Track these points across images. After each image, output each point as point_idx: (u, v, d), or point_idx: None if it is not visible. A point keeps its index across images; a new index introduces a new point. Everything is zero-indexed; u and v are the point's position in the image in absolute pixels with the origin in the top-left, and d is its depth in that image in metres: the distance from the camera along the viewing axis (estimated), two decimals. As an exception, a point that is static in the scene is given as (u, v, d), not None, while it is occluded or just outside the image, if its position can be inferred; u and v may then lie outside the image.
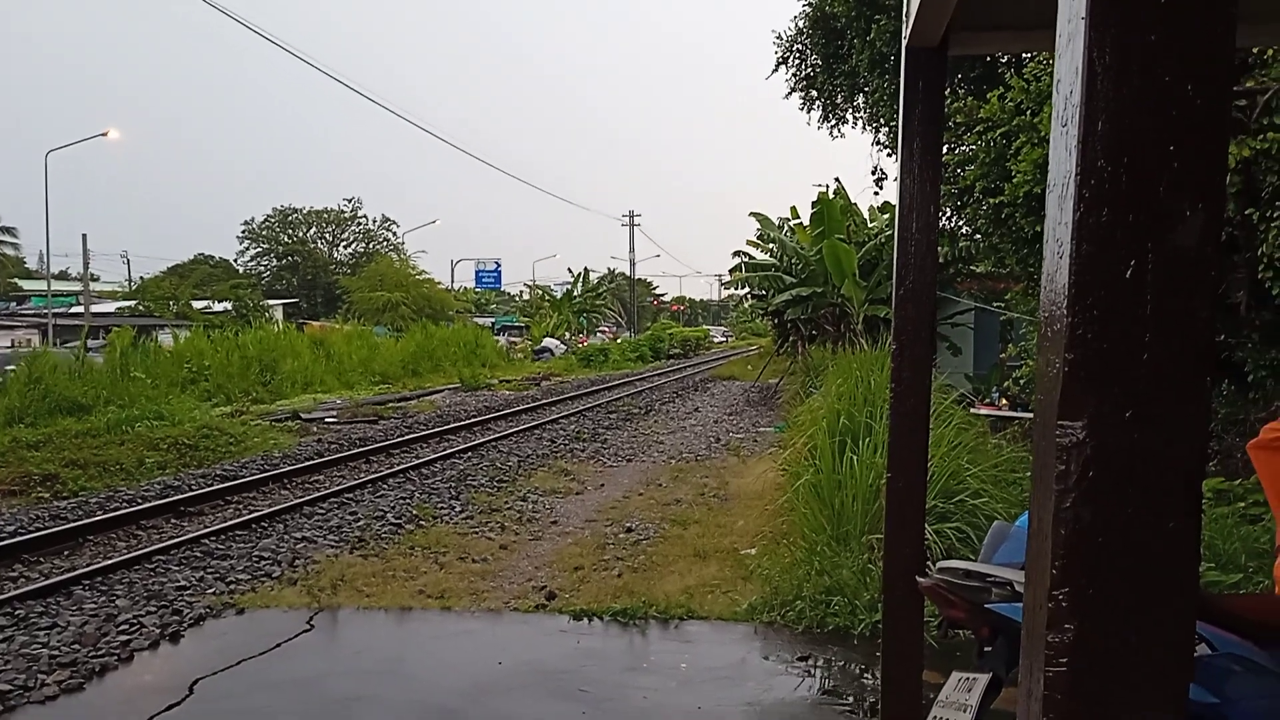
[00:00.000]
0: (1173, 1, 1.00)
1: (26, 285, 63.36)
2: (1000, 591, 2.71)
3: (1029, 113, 8.65)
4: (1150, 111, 1.01)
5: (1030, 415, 11.51)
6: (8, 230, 63.69)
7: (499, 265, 68.58)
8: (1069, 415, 1.04)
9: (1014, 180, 8.62)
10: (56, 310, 43.69)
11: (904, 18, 3.16)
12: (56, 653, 6.03)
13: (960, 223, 13.40)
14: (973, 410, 11.32)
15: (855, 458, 7.72)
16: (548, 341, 48.99)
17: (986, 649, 2.90)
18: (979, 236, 12.71)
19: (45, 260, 48.26)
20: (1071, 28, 1.05)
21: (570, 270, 67.71)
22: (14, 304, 56.37)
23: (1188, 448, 1.04)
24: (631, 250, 71.29)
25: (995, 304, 16.39)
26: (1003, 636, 2.78)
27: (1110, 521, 1.04)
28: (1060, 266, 1.05)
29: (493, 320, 65.39)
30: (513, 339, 52.83)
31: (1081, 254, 1.03)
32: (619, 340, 54.19)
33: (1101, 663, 1.06)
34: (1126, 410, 1.03)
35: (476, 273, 68.71)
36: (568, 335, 53.85)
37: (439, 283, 60.14)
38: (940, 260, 3.49)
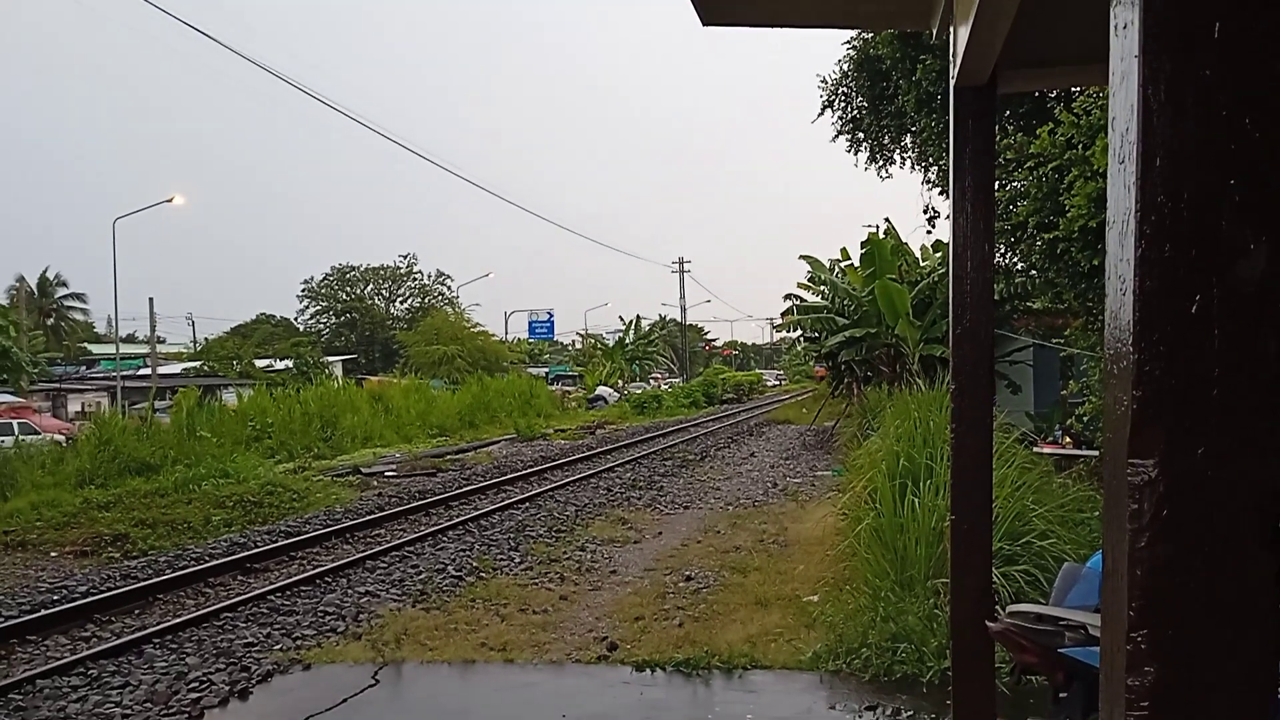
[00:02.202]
0: (1227, 35, 1.00)
1: (96, 349, 65.27)
2: (1074, 635, 2.65)
3: (1080, 146, 8.58)
4: (1208, 146, 1.01)
5: (1095, 453, 11.26)
6: (77, 296, 65.97)
7: (551, 315, 69.19)
8: (1140, 453, 1.03)
9: (1068, 215, 8.53)
10: (125, 373, 44.91)
11: (951, 58, 3.17)
12: (129, 712, 6.13)
13: (1014, 259, 13.27)
14: (1035, 449, 11.10)
15: (916, 500, 7.60)
16: (601, 390, 49.17)
17: (1062, 695, 2.83)
18: (1034, 272, 12.56)
19: (114, 324, 49.73)
20: (1125, 65, 1.05)
21: (622, 318, 68.01)
22: (84, 368, 58.04)
23: (1263, 482, 1.02)
24: (682, 296, 71.78)
25: (1054, 340, 16.13)
26: (1078, 682, 2.72)
27: (1187, 560, 1.02)
28: (1124, 303, 1.05)
29: (546, 370, 65.83)
30: (566, 388, 53.12)
31: (1145, 290, 1.02)
32: (672, 387, 54.21)
33: (1183, 705, 1.03)
34: (1198, 447, 1.02)
35: (529, 323, 69.37)
36: (621, 383, 53.99)
37: (493, 335, 60.91)
38: (996, 297, 3.46)
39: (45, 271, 63.75)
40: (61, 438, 23.64)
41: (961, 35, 2.92)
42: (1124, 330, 1.05)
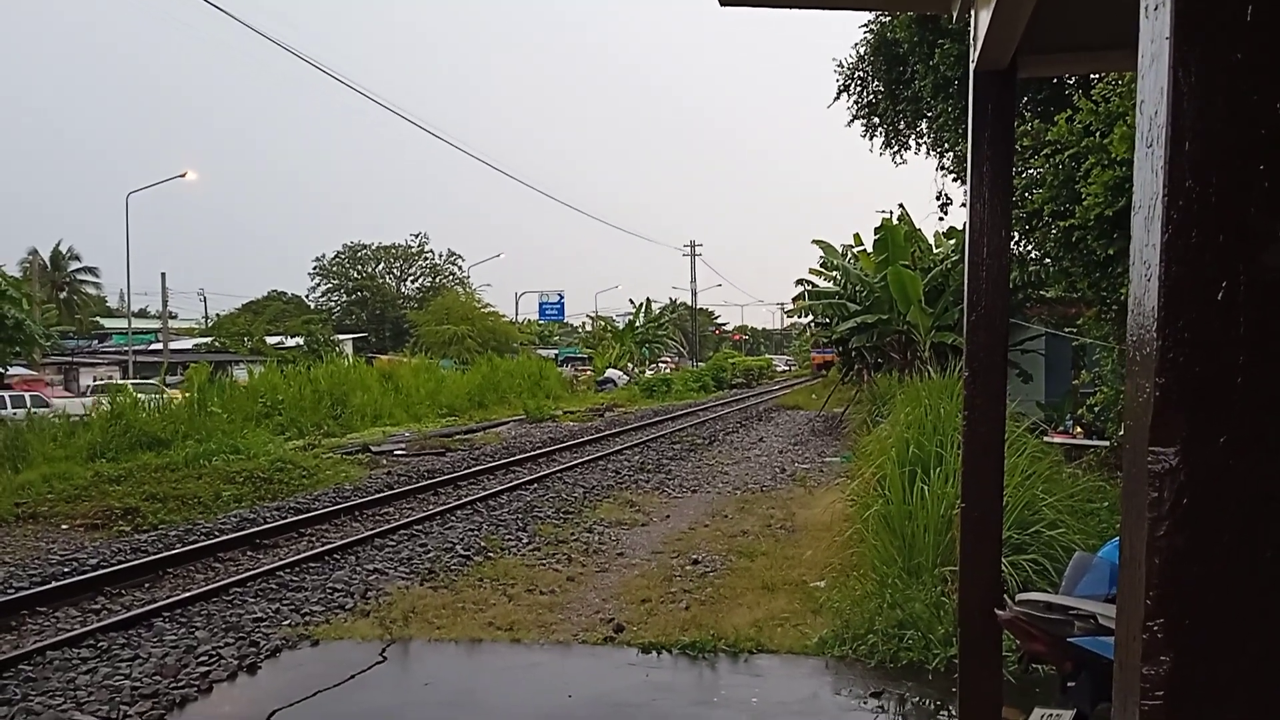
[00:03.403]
0: (1258, 19, 0.98)
1: (108, 324, 65.56)
2: (1083, 625, 2.65)
3: (1098, 134, 8.51)
4: (1238, 130, 0.99)
5: (1106, 443, 11.22)
6: (90, 270, 66.26)
7: (562, 297, 69.10)
8: (1161, 441, 1.02)
9: (1084, 203, 8.47)
10: (137, 348, 45.11)
11: (971, 42, 3.14)
12: (138, 684, 6.16)
13: (1029, 247, 13.20)
14: (1046, 439, 11.07)
15: (926, 487, 7.59)
16: (611, 372, 49.20)
17: (1070, 684, 2.83)
18: (1049, 261, 12.50)
19: (126, 299, 49.97)
20: (1155, 48, 1.03)
21: (632, 301, 68.18)
22: (96, 342, 58.30)
23: (1285, 473, 1.01)
24: (693, 280, 71.53)
25: (1067, 329, 16.06)
26: (1087, 671, 2.71)
27: (1205, 550, 1.02)
28: (1148, 289, 1.03)
29: (556, 352, 65.86)
30: (576, 370, 53.16)
31: (1170, 276, 1.01)
32: (681, 370, 54.24)
33: (1199, 696, 1.03)
34: (1220, 435, 1.01)
35: (540, 305, 69.33)
36: (631, 366, 54.01)
37: (503, 315, 60.90)
38: (1010, 285, 3.42)
39: (58, 245, 64.09)
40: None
41: (983, 19, 2.89)
42: (1148, 316, 1.04)
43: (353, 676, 6.30)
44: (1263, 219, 1.00)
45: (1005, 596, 3.48)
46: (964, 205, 3.41)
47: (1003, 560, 5.10)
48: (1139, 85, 1.08)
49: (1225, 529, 1.01)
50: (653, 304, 59.62)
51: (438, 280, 78.03)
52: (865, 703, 5.66)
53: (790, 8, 3.53)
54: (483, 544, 10.13)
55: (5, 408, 25.06)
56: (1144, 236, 1.05)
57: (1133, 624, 1.06)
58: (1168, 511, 1.02)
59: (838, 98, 19.63)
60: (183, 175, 42.42)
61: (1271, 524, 1.01)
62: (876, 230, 20.33)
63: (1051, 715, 2.80)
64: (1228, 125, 1.00)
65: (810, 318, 26.44)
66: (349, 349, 48.49)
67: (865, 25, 18.47)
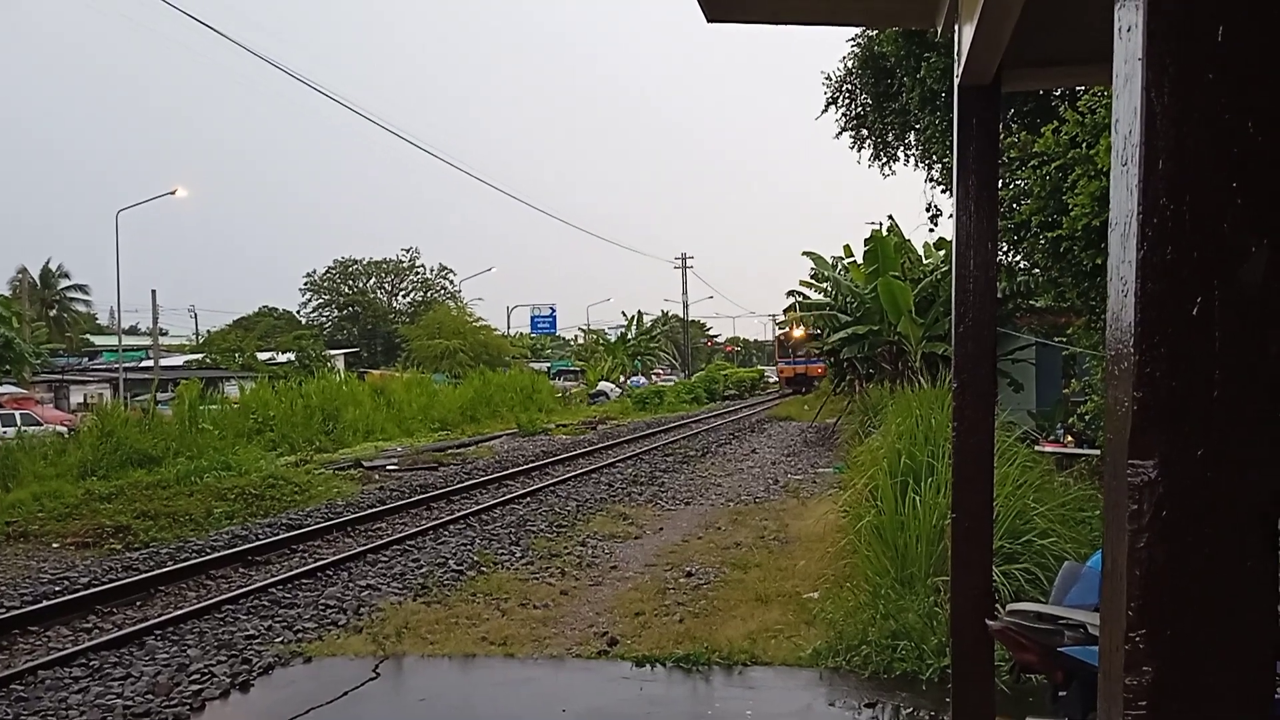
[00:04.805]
0: (1230, 39, 1.00)
1: (98, 340, 65.32)
2: (1073, 634, 2.66)
3: (1084, 145, 8.56)
4: (1211, 149, 1.01)
5: (1097, 452, 11.26)
6: (80, 288, 66.00)
7: (554, 310, 69.14)
8: (1140, 454, 1.03)
9: (1071, 214, 8.52)
10: (127, 365, 44.95)
11: (955, 56, 3.17)
12: (130, 703, 6.14)
13: (1018, 257, 13.27)
14: (1037, 448, 11.10)
15: (917, 498, 7.60)
16: (603, 385, 49.20)
17: (1061, 694, 2.84)
18: (1037, 271, 12.56)
19: (116, 316, 49.77)
20: (1128, 69, 1.05)
21: (624, 313, 68.13)
22: (86, 359, 58.08)
23: (1262, 485, 1.03)
24: (684, 292, 71.56)
25: (1057, 339, 16.12)
26: (1077, 681, 2.72)
27: (1186, 562, 1.03)
28: (1126, 305, 1.05)
29: (548, 365, 65.85)
30: (569, 383, 53.16)
31: (1147, 292, 1.02)
32: (673, 383, 54.27)
33: (1180, 705, 1.04)
34: (1198, 448, 1.02)
35: (532, 318, 69.36)
36: (623, 378, 54.00)
37: (495, 329, 60.92)
38: (999, 296, 3.45)
39: (48, 263, 63.84)
40: (63, 429, 23.67)
41: (966, 34, 2.92)
42: (1126, 332, 1.06)
43: (346, 693, 6.28)
44: (1236, 236, 1.01)
45: (997, 606, 3.50)
46: (951, 217, 3.44)
47: (994, 570, 5.11)
48: (1113, 105, 1.10)
49: (1204, 541, 1.03)
50: (644, 317, 59.78)
51: (429, 295, 78.09)
52: (859, 714, 5.66)
53: (777, 23, 3.56)
54: (476, 559, 10.11)
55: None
56: (1120, 253, 1.07)
57: (1115, 635, 1.07)
58: (1148, 524, 1.03)
59: (826, 110, 19.75)
60: (172, 192, 42.31)
61: (1249, 535, 1.03)
62: (867, 241, 20.42)
63: (1043, 725, 2.81)
64: (1201, 144, 1.02)
65: (802, 330, 26.49)
66: (341, 364, 48.44)
67: (852, 39, 18.61)
